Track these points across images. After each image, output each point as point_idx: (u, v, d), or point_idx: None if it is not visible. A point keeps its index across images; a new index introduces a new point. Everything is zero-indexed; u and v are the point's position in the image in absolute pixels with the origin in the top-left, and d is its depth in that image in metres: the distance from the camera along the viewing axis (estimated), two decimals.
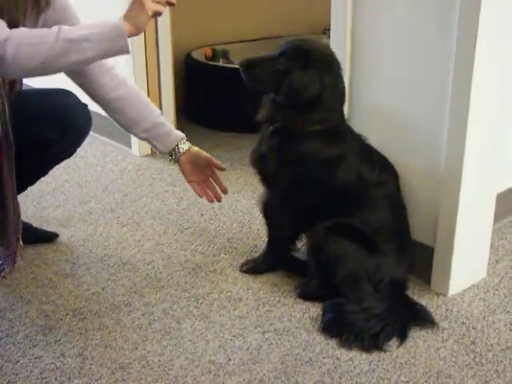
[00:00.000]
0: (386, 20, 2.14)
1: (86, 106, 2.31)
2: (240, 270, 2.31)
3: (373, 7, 2.17)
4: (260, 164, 2.19)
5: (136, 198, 2.94)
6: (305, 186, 2.10)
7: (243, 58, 2.12)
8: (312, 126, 2.06)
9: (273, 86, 2.08)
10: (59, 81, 2.25)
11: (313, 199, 2.12)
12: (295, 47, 2.07)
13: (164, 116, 3.43)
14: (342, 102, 2.11)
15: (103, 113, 2.24)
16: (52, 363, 1.85)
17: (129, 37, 1.82)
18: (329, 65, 2.05)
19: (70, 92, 2.28)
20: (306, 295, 2.15)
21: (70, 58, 1.82)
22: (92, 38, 1.80)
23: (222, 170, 2.26)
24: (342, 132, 2.11)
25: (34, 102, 2.18)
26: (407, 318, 2.01)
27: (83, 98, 2.27)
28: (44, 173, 2.45)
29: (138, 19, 1.82)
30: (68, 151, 2.39)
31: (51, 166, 2.42)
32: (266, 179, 2.22)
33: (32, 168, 2.30)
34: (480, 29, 1.86)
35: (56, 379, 1.79)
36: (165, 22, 3.34)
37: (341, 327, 1.98)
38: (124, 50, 1.85)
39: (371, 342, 1.91)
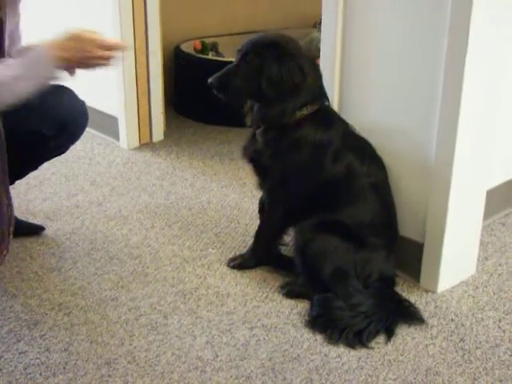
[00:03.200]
0: (377, 12, 2.12)
1: (83, 102, 2.28)
2: (228, 266, 2.30)
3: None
4: (255, 157, 2.17)
5: (124, 191, 2.92)
6: (297, 173, 2.09)
7: (209, 78, 2.12)
8: (300, 111, 2.06)
9: (250, 89, 2.07)
10: None
11: (304, 189, 2.10)
12: (259, 42, 2.09)
13: (153, 109, 3.47)
14: (321, 79, 2.12)
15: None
16: (37, 358, 1.83)
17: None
18: (299, 51, 2.08)
19: (68, 88, 2.25)
20: (292, 294, 2.13)
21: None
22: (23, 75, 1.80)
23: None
24: (330, 116, 2.12)
25: (31, 99, 2.16)
26: (394, 315, 2.00)
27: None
28: (35, 168, 2.43)
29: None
30: (63, 148, 2.38)
31: (43, 162, 2.41)
32: (261, 172, 2.19)
33: (24, 163, 2.28)
34: (472, 21, 1.85)
35: (41, 374, 1.77)
36: (154, 14, 3.31)
37: (326, 322, 1.97)
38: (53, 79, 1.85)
39: (355, 339, 1.91)
